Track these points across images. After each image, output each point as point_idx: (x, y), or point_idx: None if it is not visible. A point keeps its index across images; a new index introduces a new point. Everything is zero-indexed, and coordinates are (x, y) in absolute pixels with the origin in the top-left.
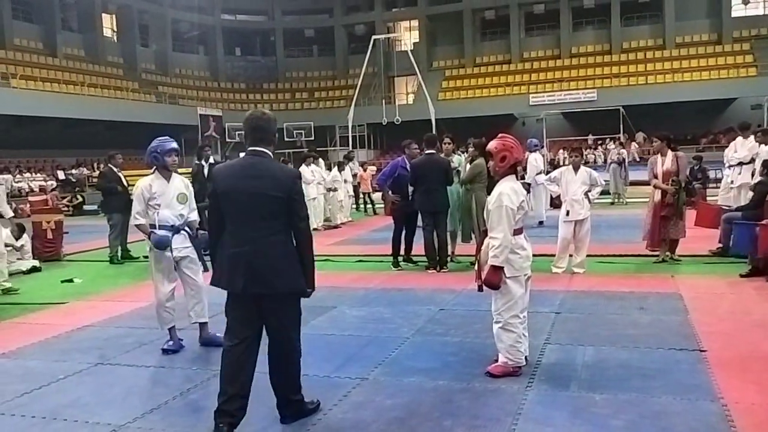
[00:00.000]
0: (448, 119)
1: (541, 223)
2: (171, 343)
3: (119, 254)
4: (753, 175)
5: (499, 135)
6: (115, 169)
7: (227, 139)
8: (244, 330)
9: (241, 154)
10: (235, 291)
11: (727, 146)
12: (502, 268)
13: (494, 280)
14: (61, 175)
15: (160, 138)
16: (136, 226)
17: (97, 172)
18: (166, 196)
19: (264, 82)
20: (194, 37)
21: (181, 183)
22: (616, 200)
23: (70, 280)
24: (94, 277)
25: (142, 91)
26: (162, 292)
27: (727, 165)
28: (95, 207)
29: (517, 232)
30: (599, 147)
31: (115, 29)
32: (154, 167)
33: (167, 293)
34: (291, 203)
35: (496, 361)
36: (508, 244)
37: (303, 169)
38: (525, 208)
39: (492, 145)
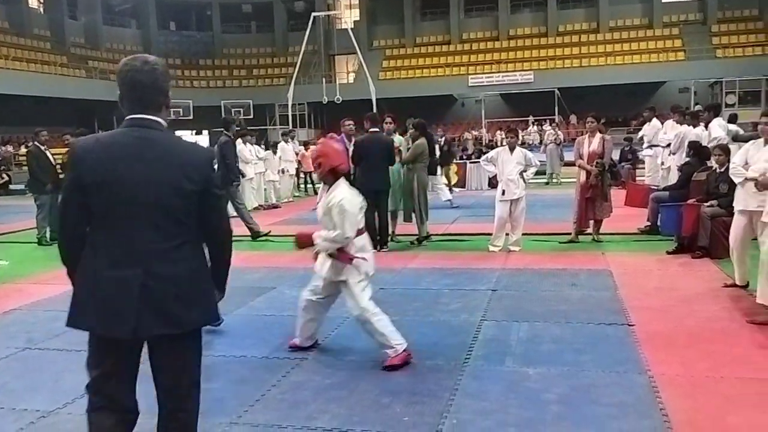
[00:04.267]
0: (388, 99)
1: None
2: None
3: (48, 235)
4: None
5: (321, 140)
6: (41, 147)
7: None
8: (119, 389)
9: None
10: (119, 335)
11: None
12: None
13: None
14: None
15: None
16: None
17: (24, 150)
18: None
19: (200, 58)
20: (126, 10)
21: None
22: (552, 180)
23: None
24: (21, 260)
25: (71, 65)
26: None
27: (646, 144)
28: (22, 186)
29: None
30: (536, 128)
31: (42, 0)
32: None
33: None
34: (207, 197)
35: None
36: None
37: (241, 147)
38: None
39: (313, 150)
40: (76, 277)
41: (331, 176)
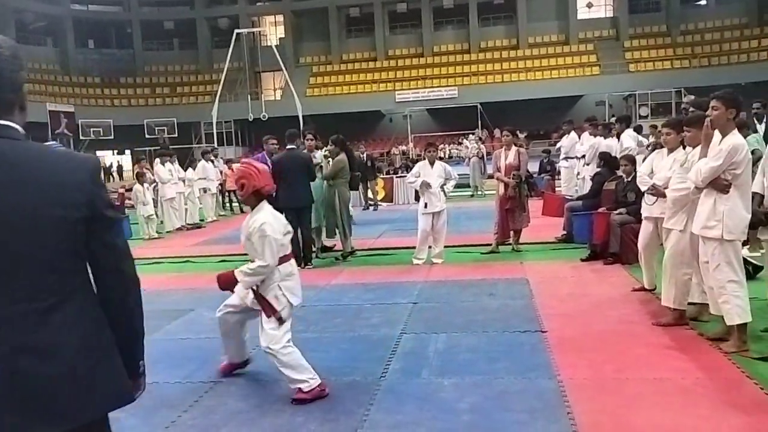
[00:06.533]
0: (316, 115)
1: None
2: None
3: None
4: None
5: (242, 160)
6: None
7: (81, 137)
8: None
9: None
10: None
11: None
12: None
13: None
14: None
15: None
16: None
17: None
18: None
19: (121, 76)
20: (41, 28)
21: None
22: (476, 192)
23: None
24: None
25: None
26: None
27: (563, 156)
28: None
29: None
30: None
31: None
32: None
33: None
34: (96, 225)
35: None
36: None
37: (159, 168)
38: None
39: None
40: None
41: (254, 198)
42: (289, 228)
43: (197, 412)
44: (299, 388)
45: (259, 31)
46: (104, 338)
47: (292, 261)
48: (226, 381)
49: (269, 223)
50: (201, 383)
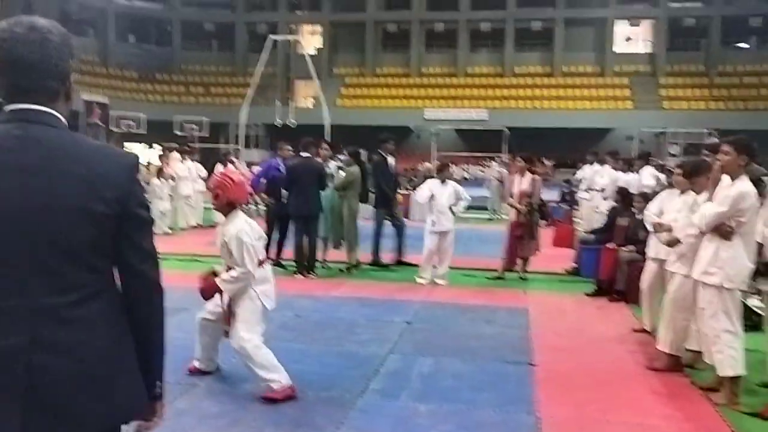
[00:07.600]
0: (344, 126)
1: None
2: None
3: None
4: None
5: (221, 171)
6: None
7: (110, 129)
8: None
9: None
10: None
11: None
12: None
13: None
14: None
15: None
16: None
17: None
18: None
19: (157, 72)
20: (84, 20)
21: None
22: (494, 216)
23: None
24: None
25: None
26: None
27: (584, 187)
28: None
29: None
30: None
31: None
32: None
33: None
34: (126, 225)
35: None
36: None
37: (176, 163)
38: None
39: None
40: None
41: (227, 208)
42: (263, 234)
43: (170, 413)
44: (270, 387)
45: (295, 39)
46: (127, 344)
47: (267, 266)
48: (204, 384)
49: (245, 230)
50: (179, 385)
